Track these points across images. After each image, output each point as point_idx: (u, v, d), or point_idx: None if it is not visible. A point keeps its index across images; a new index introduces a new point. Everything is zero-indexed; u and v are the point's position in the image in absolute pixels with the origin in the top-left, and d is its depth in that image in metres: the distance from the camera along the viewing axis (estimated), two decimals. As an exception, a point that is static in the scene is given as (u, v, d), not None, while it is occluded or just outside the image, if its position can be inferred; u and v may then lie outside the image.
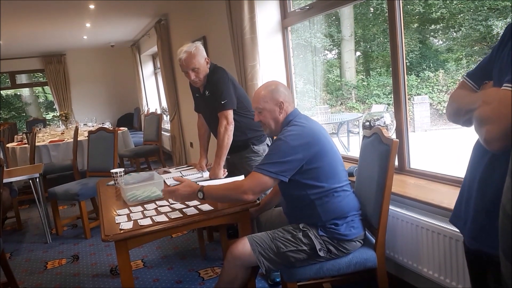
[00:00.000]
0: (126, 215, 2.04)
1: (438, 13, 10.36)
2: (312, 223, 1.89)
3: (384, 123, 2.48)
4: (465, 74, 1.23)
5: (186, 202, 2.12)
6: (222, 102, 2.59)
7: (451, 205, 1.91)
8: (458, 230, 1.82)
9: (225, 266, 1.91)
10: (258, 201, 2.12)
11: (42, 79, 10.91)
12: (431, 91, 10.43)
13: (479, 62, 1.23)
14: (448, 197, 2.05)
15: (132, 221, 1.93)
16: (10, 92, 14.06)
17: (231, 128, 2.61)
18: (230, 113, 2.62)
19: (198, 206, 2.07)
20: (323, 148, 1.86)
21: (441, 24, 10.97)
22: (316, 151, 1.84)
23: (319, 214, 1.86)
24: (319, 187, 1.86)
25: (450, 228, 1.88)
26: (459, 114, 1.15)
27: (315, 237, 1.85)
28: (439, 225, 1.94)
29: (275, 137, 2.00)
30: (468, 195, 1.18)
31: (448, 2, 10.20)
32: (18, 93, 14.77)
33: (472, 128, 1.16)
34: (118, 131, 5.49)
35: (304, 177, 1.86)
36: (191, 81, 2.68)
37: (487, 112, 0.94)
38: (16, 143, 6.11)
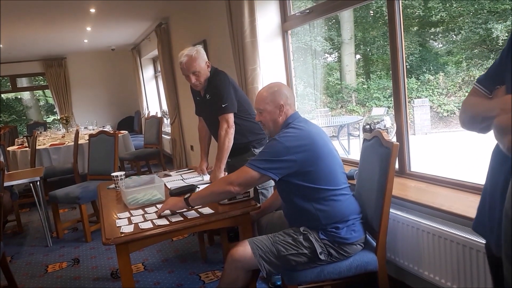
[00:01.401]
0: (126, 219, 2.04)
1: (438, 16, 10.39)
2: (312, 227, 1.89)
3: (385, 126, 2.49)
4: (476, 80, 1.22)
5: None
6: (223, 106, 2.59)
7: (452, 208, 1.93)
8: (458, 234, 1.84)
9: (225, 269, 1.91)
10: (258, 205, 2.12)
11: (42, 82, 10.95)
12: (431, 94, 10.44)
13: (488, 67, 1.21)
14: (449, 200, 2.05)
15: (133, 225, 1.93)
16: (10, 95, 14.09)
17: (232, 131, 2.61)
18: (231, 117, 2.62)
19: (199, 209, 2.08)
20: (320, 151, 1.86)
21: (441, 27, 11.00)
22: (312, 155, 1.84)
23: (319, 217, 1.87)
24: (317, 189, 1.86)
25: (450, 231, 1.88)
26: (474, 121, 1.13)
27: (315, 241, 1.85)
28: (440, 228, 1.94)
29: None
30: (491, 202, 1.16)
31: (448, 5, 10.23)
32: (19, 97, 14.80)
33: (471, 131, 1.16)
34: (119, 134, 5.51)
35: (301, 180, 1.86)
36: (192, 84, 2.69)
37: (507, 121, 0.93)
38: (16, 147, 6.11)
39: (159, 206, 2.19)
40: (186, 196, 2.00)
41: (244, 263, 1.86)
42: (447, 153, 7.68)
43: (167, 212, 2.04)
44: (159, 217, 2.02)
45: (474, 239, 1.76)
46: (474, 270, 1.78)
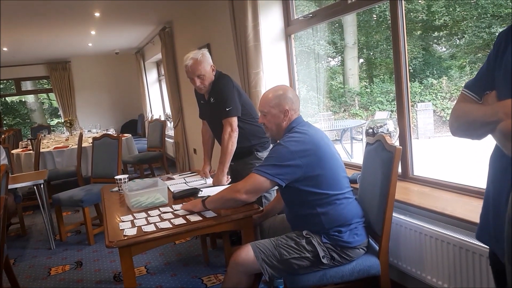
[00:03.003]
0: (130, 222, 2.04)
1: (441, 21, 10.39)
2: (315, 231, 1.89)
3: (387, 130, 2.50)
4: (464, 86, 1.21)
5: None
6: (227, 109, 2.60)
7: (455, 213, 1.93)
8: (461, 238, 1.83)
9: (228, 272, 1.91)
10: (261, 208, 2.13)
11: (47, 85, 10.99)
12: (434, 98, 10.43)
13: (476, 72, 1.21)
14: (452, 205, 2.05)
15: (136, 228, 1.93)
16: (15, 98, 14.16)
17: (235, 135, 2.62)
18: (235, 120, 2.63)
19: (201, 213, 2.08)
20: (324, 156, 1.87)
21: (444, 31, 10.99)
22: (316, 159, 1.84)
23: (322, 221, 1.87)
24: (321, 194, 1.86)
25: (453, 235, 1.88)
26: (472, 128, 1.11)
27: (318, 244, 1.85)
28: (443, 233, 1.93)
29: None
30: (495, 209, 1.13)
31: (451, 9, 10.23)
32: (23, 100, 14.87)
33: (465, 138, 1.15)
34: (122, 138, 5.52)
35: (305, 184, 1.86)
36: (196, 87, 2.70)
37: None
38: (21, 150, 6.14)
39: (162, 209, 2.20)
40: (204, 198, 2.05)
41: (247, 266, 1.86)
42: (451, 157, 7.65)
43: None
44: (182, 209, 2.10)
45: (477, 243, 1.76)
46: (477, 275, 1.78)
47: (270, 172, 1.83)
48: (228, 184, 2.61)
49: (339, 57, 12.93)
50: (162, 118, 7.96)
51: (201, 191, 2.45)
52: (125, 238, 1.83)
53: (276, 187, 2.05)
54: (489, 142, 1.22)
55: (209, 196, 2.06)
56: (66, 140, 6.63)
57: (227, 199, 1.96)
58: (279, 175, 1.83)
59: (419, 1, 10.40)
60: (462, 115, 1.17)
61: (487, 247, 1.70)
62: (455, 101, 1.23)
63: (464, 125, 1.15)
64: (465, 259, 1.82)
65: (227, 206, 2.04)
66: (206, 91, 2.72)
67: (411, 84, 10.37)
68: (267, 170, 1.84)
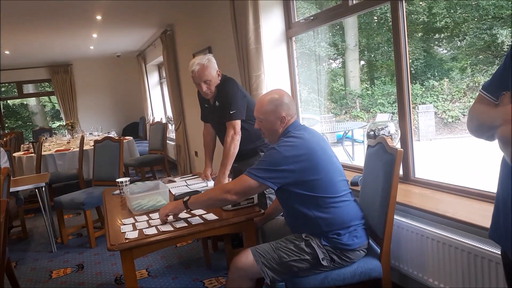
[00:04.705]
0: (131, 224, 2.04)
1: (442, 22, 10.40)
2: (314, 233, 1.89)
3: (389, 132, 2.49)
4: (481, 87, 1.21)
5: (192, 211, 2.13)
6: (231, 112, 2.61)
7: (456, 215, 1.93)
8: (463, 240, 1.83)
9: (229, 277, 1.91)
10: (262, 211, 2.12)
11: (48, 88, 11.03)
12: (435, 100, 10.43)
13: (492, 73, 1.20)
14: (453, 207, 2.05)
15: (138, 230, 1.94)
16: (16, 101, 14.20)
17: (238, 138, 2.62)
18: (238, 124, 2.64)
19: (203, 216, 2.08)
20: (319, 160, 1.85)
21: (446, 33, 11.00)
22: (310, 164, 1.83)
23: (320, 224, 1.86)
24: (316, 197, 1.85)
25: (455, 237, 1.88)
26: (481, 130, 1.13)
27: (317, 247, 1.85)
28: (444, 235, 1.93)
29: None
30: (505, 210, 1.15)
31: (452, 11, 10.24)
32: (25, 103, 14.91)
33: (479, 138, 1.16)
34: (124, 140, 5.53)
35: (300, 189, 1.85)
36: (203, 93, 2.71)
37: (509, 132, 0.92)
38: (22, 152, 6.15)
39: (163, 212, 2.19)
40: (185, 199, 2.00)
41: (248, 271, 1.85)
42: (452, 159, 7.64)
43: (170, 218, 2.05)
44: (163, 222, 2.02)
45: (479, 245, 1.76)
46: (479, 277, 1.77)
47: (261, 175, 1.83)
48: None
49: (340, 59, 12.95)
50: (164, 121, 7.96)
51: (202, 193, 2.44)
52: (127, 241, 1.83)
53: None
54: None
55: (190, 197, 2.01)
56: (67, 143, 6.64)
57: (215, 200, 1.94)
58: (270, 178, 1.83)
59: (420, 3, 10.41)
60: (475, 117, 1.18)
61: (490, 249, 1.71)
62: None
63: (475, 127, 1.18)
64: (467, 261, 1.82)
65: (214, 206, 2.05)
66: (212, 95, 2.73)
67: (412, 86, 10.38)
68: (258, 173, 1.84)
